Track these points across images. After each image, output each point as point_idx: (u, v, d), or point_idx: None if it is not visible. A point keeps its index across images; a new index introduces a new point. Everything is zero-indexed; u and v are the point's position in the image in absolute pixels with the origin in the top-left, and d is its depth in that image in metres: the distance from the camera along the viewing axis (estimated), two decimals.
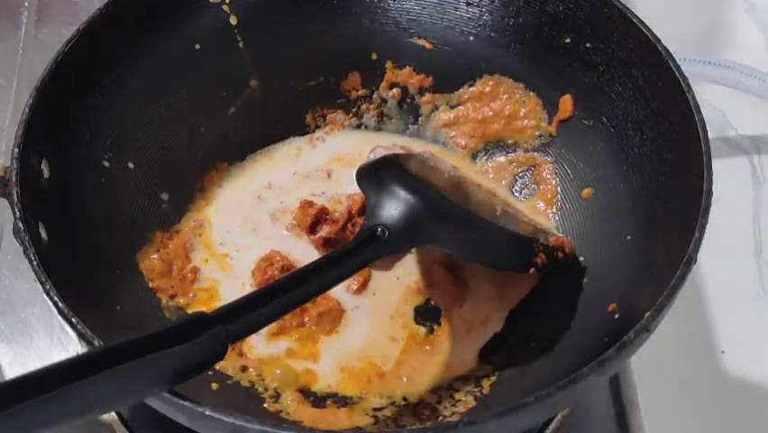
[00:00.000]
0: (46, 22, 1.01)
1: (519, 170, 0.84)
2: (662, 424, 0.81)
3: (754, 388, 0.85)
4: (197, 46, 0.83)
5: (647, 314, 0.59)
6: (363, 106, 0.88)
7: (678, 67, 0.70)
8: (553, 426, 0.76)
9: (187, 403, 0.55)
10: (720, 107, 1.02)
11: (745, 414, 0.84)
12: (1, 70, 0.99)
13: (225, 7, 0.83)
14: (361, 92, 0.88)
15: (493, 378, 0.72)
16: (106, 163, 0.76)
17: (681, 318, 0.80)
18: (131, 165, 0.78)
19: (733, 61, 0.96)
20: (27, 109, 0.69)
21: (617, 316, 0.67)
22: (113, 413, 0.76)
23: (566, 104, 0.80)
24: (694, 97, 0.69)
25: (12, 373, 0.78)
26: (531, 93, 0.82)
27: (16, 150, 0.66)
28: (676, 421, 0.83)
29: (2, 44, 0.99)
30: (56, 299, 0.60)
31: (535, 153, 0.83)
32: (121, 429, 0.76)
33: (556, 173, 0.81)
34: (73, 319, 0.59)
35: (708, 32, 1.10)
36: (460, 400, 0.70)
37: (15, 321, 0.82)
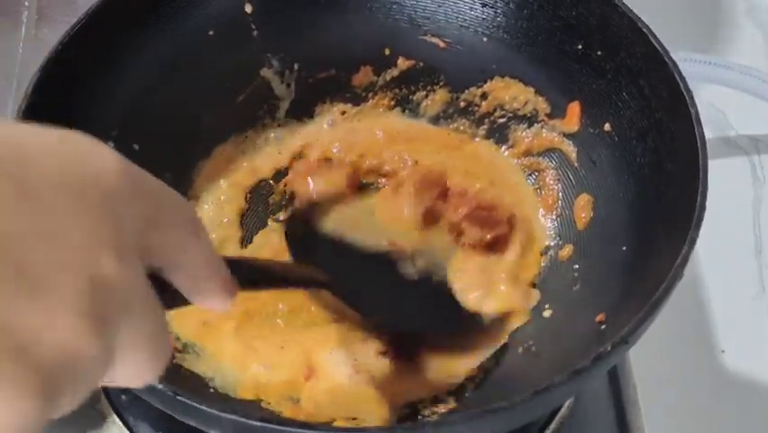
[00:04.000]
0: (46, 22, 1.01)
1: (525, 174, 0.84)
2: (662, 424, 0.80)
3: (754, 388, 0.85)
4: (211, 32, 0.83)
5: (626, 327, 0.59)
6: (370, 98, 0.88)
7: (683, 79, 0.70)
8: (553, 426, 0.76)
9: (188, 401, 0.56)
10: (720, 107, 1.02)
11: (745, 414, 0.85)
12: (1, 70, 0.99)
13: None
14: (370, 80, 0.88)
15: (477, 381, 0.72)
16: (111, 143, 0.76)
17: (681, 318, 0.80)
18: (135, 147, 0.78)
19: (733, 61, 0.96)
20: (30, 88, 0.69)
21: (603, 327, 0.67)
22: (110, 409, 0.76)
23: (574, 110, 0.80)
24: (696, 110, 0.69)
25: None
26: (540, 97, 0.82)
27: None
28: (676, 421, 0.83)
29: (2, 44, 1.00)
30: None
31: (540, 158, 0.83)
32: (117, 424, 0.76)
33: (558, 179, 0.81)
34: None
35: (708, 32, 1.11)
36: (441, 402, 0.70)
37: None
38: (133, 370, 0.42)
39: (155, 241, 0.42)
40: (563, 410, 0.76)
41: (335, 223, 0.80)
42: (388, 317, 0.75)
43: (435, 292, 0.77)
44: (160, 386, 0.56)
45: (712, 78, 0.96)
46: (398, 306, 0.77)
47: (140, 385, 0.43)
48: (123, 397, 0.76)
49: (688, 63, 0.94)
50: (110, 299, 0.38)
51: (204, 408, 0.56)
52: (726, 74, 0.95)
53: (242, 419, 0.56)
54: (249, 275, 0.55)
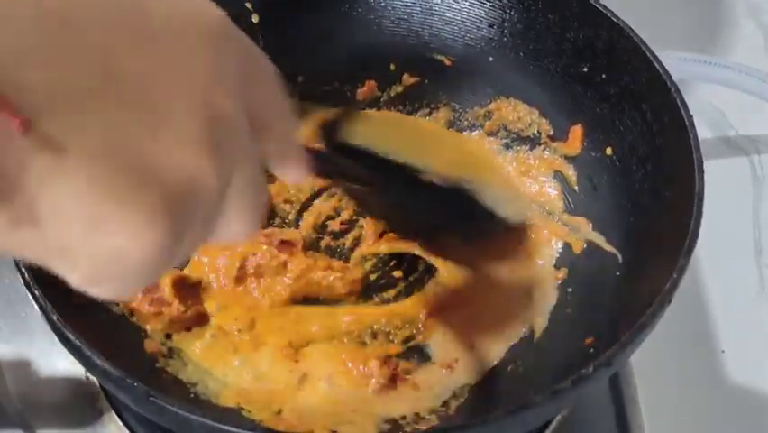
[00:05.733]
0: None
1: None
2: (662, 424, 0.81)
3: (754, 388, 0.86)
4: None
5: (610, 349, 0.60)
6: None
7: (684, 104, 0.70)
8: (553, 425, 0.76)
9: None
10: (720, 107, 1.02)
11: (744, 414, 0.85)
12: None
13: (249, 4, 0.84)
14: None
15: (461, 400, 0.72)
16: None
17: (681, 318, 0.80)
18: None
19: (733, 62, 0.96)
20: None
21: (591, 350, 0.67)
22: (109, 409, 0.77)
23: (576, 133, 0.80)
24: (696, 135, 0.69)
25: (12, 372, 0.78)
26: (543, 119, 0.83)
27: None
28: (676, 421, 0.83)
29: None
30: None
31: (540, 180, 0.83)
32: (116, 423, 0.76)
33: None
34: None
35: (708, 32, 1.10)
36: (423, 419, 0.70)
37: (15, 321, 0.83)
38: (240, 215, 0.44)
39: (252, 95, 0.45)
40: (564, 410, 0.77)
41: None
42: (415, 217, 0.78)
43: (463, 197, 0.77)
44: (135, 384, 0.58)
45: (712, 77, 0.96)
46: (425, 209, 0.78)
47: (242, 237, 0.46)
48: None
49: (687, 63, 0.94)
50: (226, 134, 0.41)
51: (174, 409, 0.57)
52: (725, 74, 0.95)
53: (211, 423, 0.57)
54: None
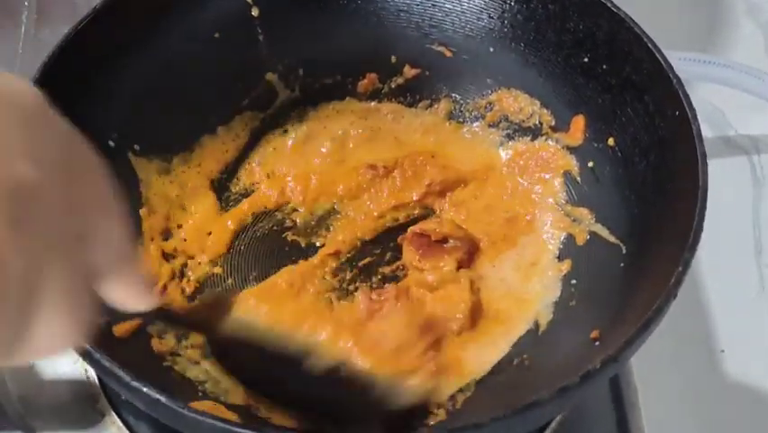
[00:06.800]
0: (46, 22, 1.01)
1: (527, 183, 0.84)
2: (662, 424, 0.81)
3: (754, 388, 0.86)
4: (217, 35, 0.83)
5: (617, 345, 0.59)
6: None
7: (687, 96, 0.70)
8: (553, 425, 0.76)
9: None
10: (720, 107, 1.02)
11: (744, 414, 0.85)
12: (1, 70, 0.98)
13: None
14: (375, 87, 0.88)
15: (468, 394, 0.72)
16: (112, 143, 0.77)
17: (681, 318, 0.80)
18: (136, 147, 0.79)
19: (733, 61, 0.96)
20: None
21: (597, 343, 0.67)
22: (110, 410, 0.77)
23: (578, 124, 0.80)
24: (698, 127, 0.69)
25: (12, 373, 0.78)
26: (545, 110, 0.83)
27: None
28: (676, 421, 0.83)
29: (2, 44, 0.99)
30: None
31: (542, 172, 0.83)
32: (116, 423, 0.76)
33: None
34: None
35: (708, 32, 1.10)
36: (431, 414, 0.70)
37: None
38: (58, 319, 0.41)
39: (74, 186, 0.42)
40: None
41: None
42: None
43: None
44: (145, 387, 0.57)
45: (712, 77, 0.96)
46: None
47: (59, 348, 0.42)
48: (123, 397, 0.76)
49: (687, 63, 0.94)
50: (31, 208, 0.38)
51: (173, 405, 0.57)
52: (725, 73, 0.95)
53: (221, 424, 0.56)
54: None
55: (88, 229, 0.43)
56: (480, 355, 0.75)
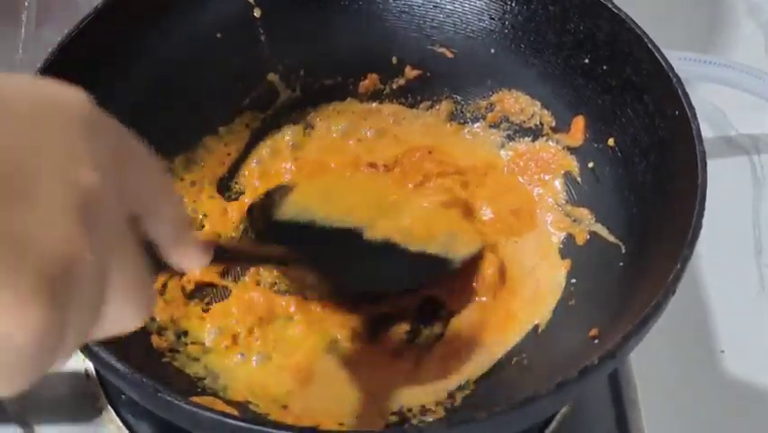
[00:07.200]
0: (46, 22, 1.01)
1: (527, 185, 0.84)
2: (662, 424, 0.80)
3: (754, 388, 0.85)
4: (218, 35, 0.84)
5: (615, 341, 0.60)
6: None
7: (687, 96, 0.70)
8: (553, 425, 0.76)
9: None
10: (720, 107, 1.02)
11: (744, 414, 0.85)
12: (1, 70, 0.98)
13: None
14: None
15: (467, 391, 0.72)
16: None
17: (681, 318, 0.80)
18: None
19: (733, 61, 0.96)
20: None
21: (596, 342, 0.67)
22: (108, 406, 0.77)
23: (578, 125, 0.80)
24: (698, 127, 0.69)
25: None
26: (546, 111, 0.83)
27: None
28: (676, 421, 0.83)
29: (2, 44, 0.99)
30: None
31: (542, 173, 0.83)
32: (115, 422, 0.76)
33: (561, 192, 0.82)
34: None
35: (708, 32, 1.10)
36: (430, 411, 0.71)
37: None
38: (127, 304, 0.43)
39: (129, 179, 0.44)
40: (564, 409, 0.76)
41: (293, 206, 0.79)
42: (361, 284, 0.77)
43: (400, 253, 0.77)
44: (144, 380, 0.58)
45: (712, 77, 0.96)
46: (369, 271, 0.77)
47: (129, 328, 0.45)
48: (123, 396, 0.76)
49: (687, 63, 0.94)
50: (97, 209, 0.40)
51: (182, 404, 0.57)
52: (726, 73, 0.95)
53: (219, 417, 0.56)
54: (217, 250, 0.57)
55: (150, 210, 0.47)
56: (479, 354, 0.75)
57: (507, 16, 0.83)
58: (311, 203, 0.77)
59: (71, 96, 0.43)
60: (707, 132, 0.85)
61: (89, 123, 0.43)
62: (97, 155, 0.42)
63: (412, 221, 0.78)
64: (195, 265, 0.53)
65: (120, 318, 0.44)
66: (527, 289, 0.78)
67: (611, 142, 0.77)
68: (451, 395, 0.72)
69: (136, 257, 0.44)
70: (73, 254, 0.38)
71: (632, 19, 0.75)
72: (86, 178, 0.40)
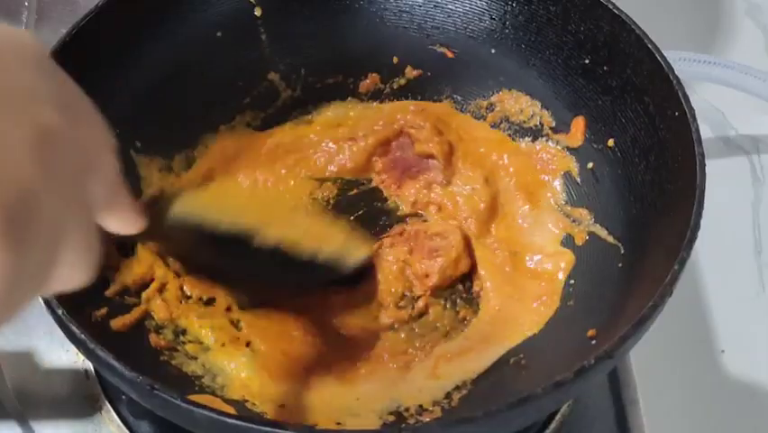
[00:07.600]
0: (46, 22, 1.01)
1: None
2: (662, 424, 0.81)
3: (754, 388, 0.86)
4: (219, 34, 0.84)
5: (612, 341, 0.60)
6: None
7: (686, 97, 0.70)
8: (553, 425, 0.76)
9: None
10: (720, 107, 1.02)
11: (745, 414, 0.85)
12: None
13: None
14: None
15: (464, 392, 0.72)
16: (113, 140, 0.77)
17: (681, 318, 0.80)
18: (138, 144, 0.79)
19: (733, 61, 0.96)
20: None
21: (594, 342, 0.67)
22: (108, 406, 0.77)
23: (578, 125, 0.80)
24: (697, 128, 0.69)
25: (10, 365, 0.78)
26: (546, 111, 0.83)
27: None
28: (676, 421, 0.83)
29: None
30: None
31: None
32: (115, 422, 0.76)
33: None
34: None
35: (708, 32, 1.11)
36: (427, 411, 0.70)
37: (15, 321, 0.82)
38: (80, 256, 0.44)
39: (80, 129, 0.45)
40: (564, 409, 0.76)
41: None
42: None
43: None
44: (140, 378, 0.58)
45: (712, 77, 0.96)
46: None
47: (76, 285, 0.45)
48: (123, 396, 0.76)
49: (687, 63, 0.94)
50: (57, 148, 0.41)
51: (178, 402, 0.57)
52: (725, 73, 0.95)
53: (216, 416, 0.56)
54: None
55: (94, 165, 0.47)
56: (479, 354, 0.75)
57: (507, 16, 0.83)
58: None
59: (26, 39, 0.44)
60: (707, 132, 0.85)
61: (46, 67, 0.44)
62: (57, 98, 0.43)
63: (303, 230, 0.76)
64: (128, 229, 0.53)
65: (71, 274, 0.44)
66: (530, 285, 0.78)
67: (611, 142, 0.77)
68: (448, 395, 0.72)
69: (89, 216, 0.45)
70: (30, 186, 0.39)
71: (632, 20, 0.75)
72: (47, 117, 0.41)
